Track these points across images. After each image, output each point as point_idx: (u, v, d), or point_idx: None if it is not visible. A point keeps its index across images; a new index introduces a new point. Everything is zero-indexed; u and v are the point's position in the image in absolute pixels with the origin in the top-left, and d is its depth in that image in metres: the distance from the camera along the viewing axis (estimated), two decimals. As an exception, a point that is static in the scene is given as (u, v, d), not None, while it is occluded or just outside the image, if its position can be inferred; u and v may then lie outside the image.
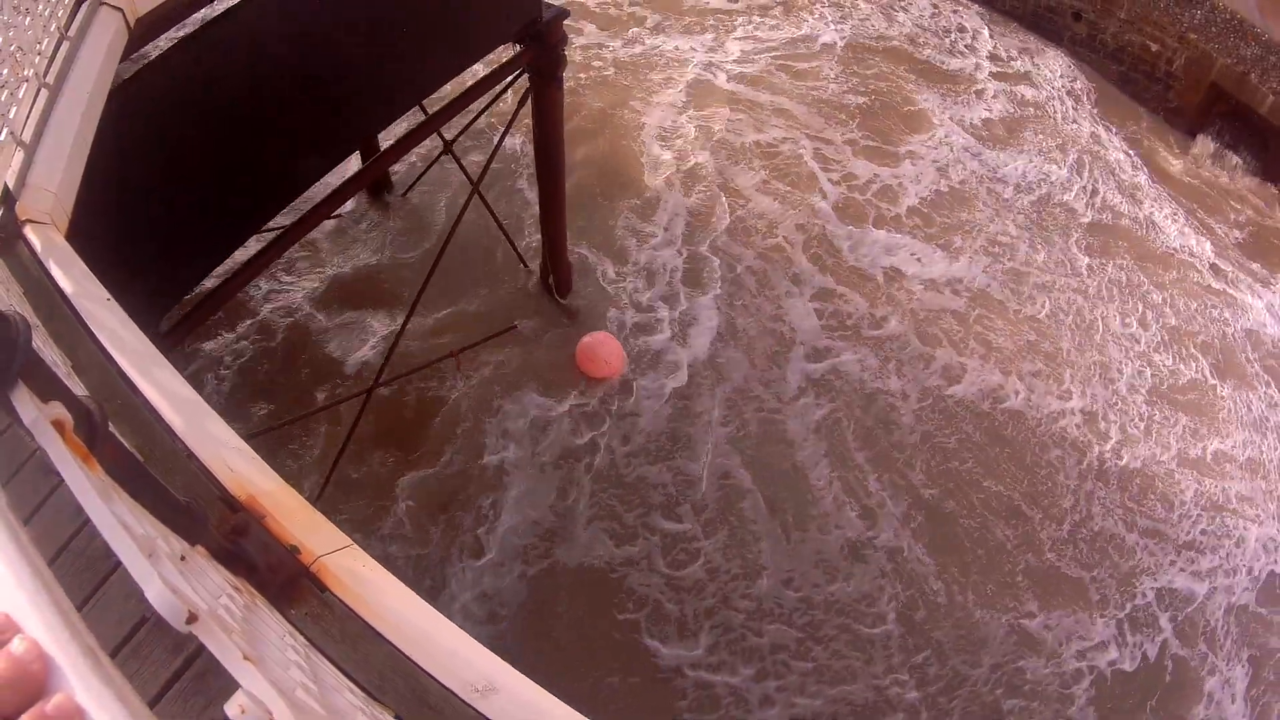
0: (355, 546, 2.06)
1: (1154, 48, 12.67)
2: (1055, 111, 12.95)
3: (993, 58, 13.69)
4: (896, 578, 7.94)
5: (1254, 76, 11.59)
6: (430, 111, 7.31)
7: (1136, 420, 9.35)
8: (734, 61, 13.21)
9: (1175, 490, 8.84)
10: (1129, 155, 12.39)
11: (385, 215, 10.50)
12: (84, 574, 1.54)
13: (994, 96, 13.04)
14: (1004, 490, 8.66)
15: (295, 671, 1.38)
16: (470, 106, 7.43)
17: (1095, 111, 13.01)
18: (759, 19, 14.05)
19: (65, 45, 3.52)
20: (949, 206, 11.33)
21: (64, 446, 1.10)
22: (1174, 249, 11.17)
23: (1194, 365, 9.92)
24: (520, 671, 1.86)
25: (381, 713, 1.71)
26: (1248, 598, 8.28)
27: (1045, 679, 7.52)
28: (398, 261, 10.05)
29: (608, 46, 13.26)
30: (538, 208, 9.40)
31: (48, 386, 1.16)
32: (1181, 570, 8.34)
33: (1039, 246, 10.99)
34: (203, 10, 4.94)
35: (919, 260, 10.60)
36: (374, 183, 10.24)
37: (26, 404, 1.08)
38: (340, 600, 1.92)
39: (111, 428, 1.32)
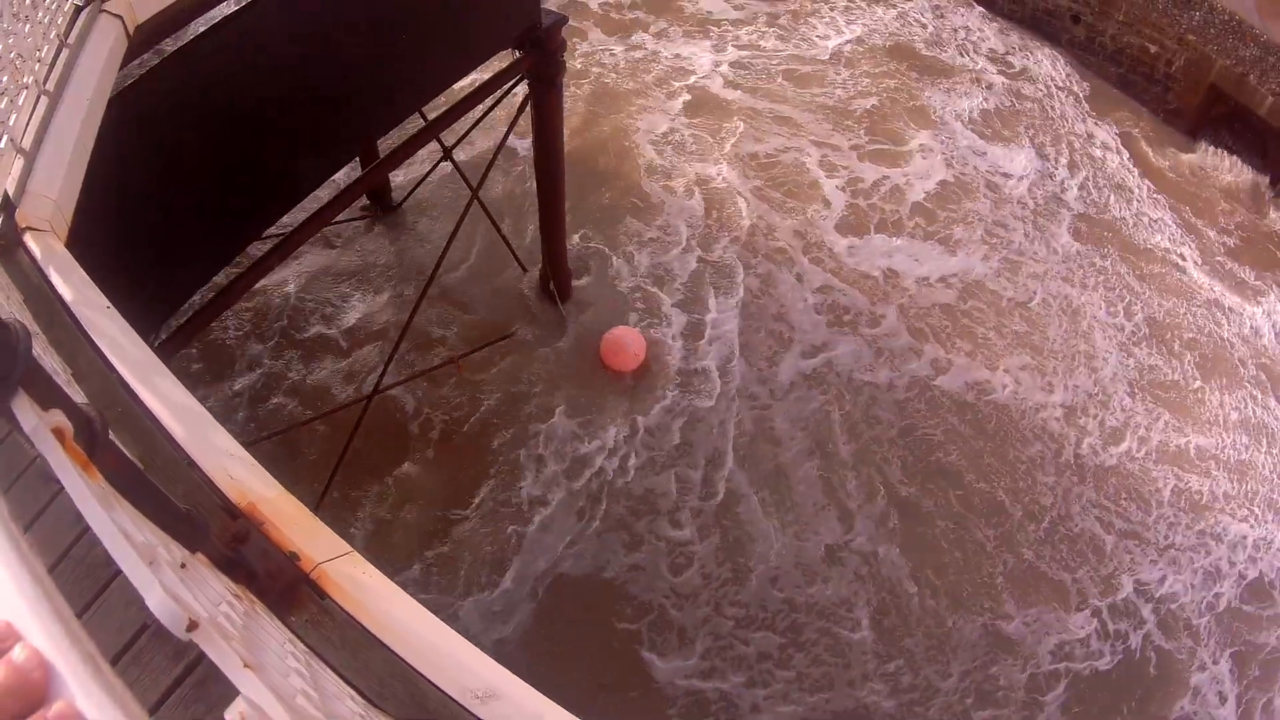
0: (355, 553, 2.06)
1: (1152, 49, 12.69)
2: (1054, 111, 12.97)
3: (992, 58, 13.72)
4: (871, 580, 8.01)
5: (1253, 78, 11.60)
6: (430, 118, 7.33)
7: (1119, 413, 9.42)
8: (734, 65, 13.23)
9: (1152, 487, 8.88)
10: (1128, 155, 12.39)
11: (385, 222, 10.51)
12: (84, 581, 1.54)
13: (994, 95, 13.07)
14: (987, 487, 8.71)
15: (295, 678, 1.38)
16: (470, 113, 7.45)
17: (1093, 111, 13.02)
18: (765, 28, 14.06)
19: (65, 52, 3.53)
20: (950, 202, 11.37)
21: (64, 454, 1.10)
22: (1165, 248, 11.19)
23: (1178, 363, 9.97)
24: (520, 678, 1.86)
25: (381, 719, 1.71)
26: (1231, 593, 8.30)
27: (1019, 683, 7.56)
28: (397, 268, 10.06)
29: (611, 50, 13.28)
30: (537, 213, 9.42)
31: (48, 394, 1.16)
32: (1162, 565, 8.37)
33: (1034, 239, 11.05)
34: (202, 17, 4.96)
35: (916, 260, 10.64)
36: (373, 190, 10.26)
37: (27, 412, 1.09)
38: (340, 607, 1.92)
39: (112, 435, 1.33)
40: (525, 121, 8.30)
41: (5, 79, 3.00)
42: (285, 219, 6.13)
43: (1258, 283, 10.94)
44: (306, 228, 6.17)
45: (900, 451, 8.87)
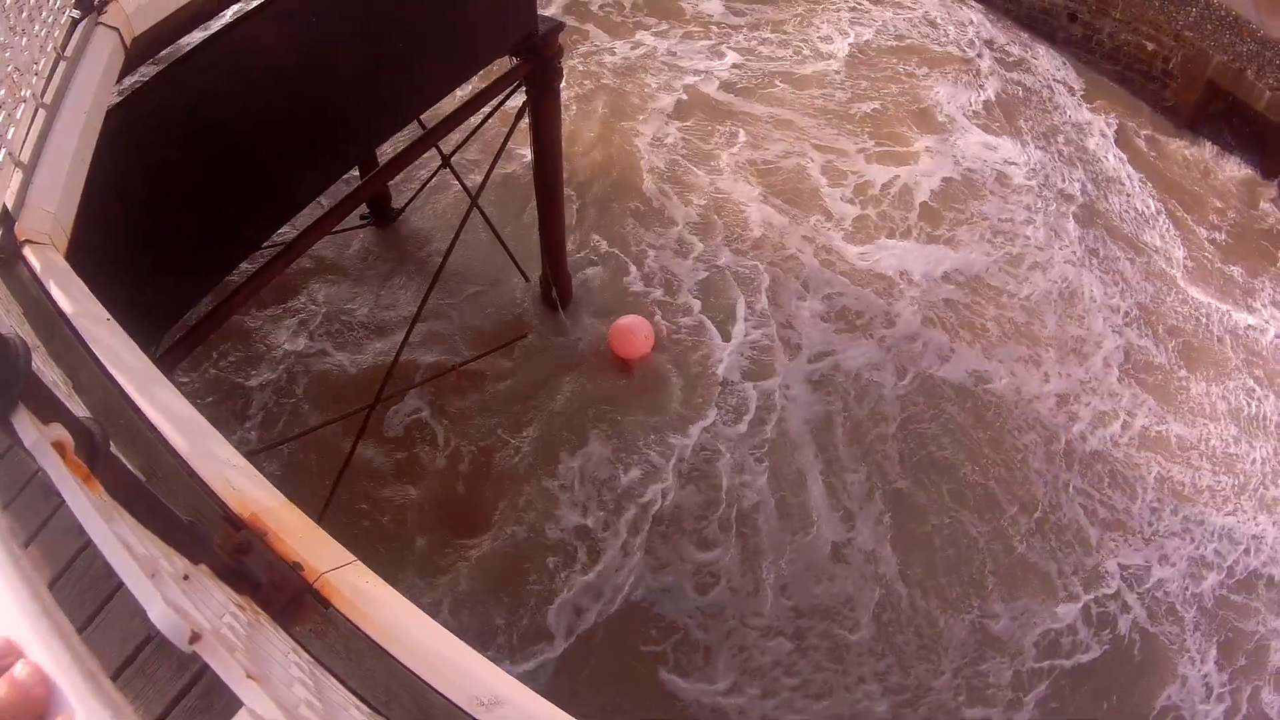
0: (358, 563, 2.05)
1: (1150, 46, 12.70)
2: (1052, 108, 13.00)
3: (991, 56, 13.74)
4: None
5: (1250, 73, 11.60)
6: (428, 126, 7.34)
7: (1108, 399, 9.49)
8: (734, 68, 13.25)
9: (1138, 475, 8.94)
10: (1127, 155, 12.41)
11: (385, 231, 10.51)
12: (86, 594, 1.53)
13: (991, 91, 13.10)
14: (980, 480, 8.74)
15: (300, 689, 1.38)
16: (468, 121, 7.46)
17: (1092, 109, 13.04)
18: (769, 34, 14.08)
19: (62, 65, 3.53)
20: (954, 200, 11.41)
21: (65, 468, 1.10)
22: (1159, 247, 11.22)
23: (1164, 350, 10.07)
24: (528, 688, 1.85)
25: (387, 729, 1.71)
26: (1215, 581, 8.33)
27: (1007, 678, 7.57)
28: (397, 277, 10.06)
29: (611, 51, 13.30)
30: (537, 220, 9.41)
31: (48, 408, 1.16)
32: (1149, 554, 8.42)
33: (1036, 233, 11.10)
34: (199, 29, 4.96)
35: (922, 258, 10.67)
36: (373, 199, 10.26)
37: (27, 426, 1.09)
38: (344, 616, 1.91)
39: (113, 448, 1.32)
40: (524, 128, 8.31)
41: (3, 92, 3.01)
42: (285, 229, 6.13)
43: (1250, 279, 10.99)
44: (306, 237, 6.16)
45: (899, 444, 8.91)
